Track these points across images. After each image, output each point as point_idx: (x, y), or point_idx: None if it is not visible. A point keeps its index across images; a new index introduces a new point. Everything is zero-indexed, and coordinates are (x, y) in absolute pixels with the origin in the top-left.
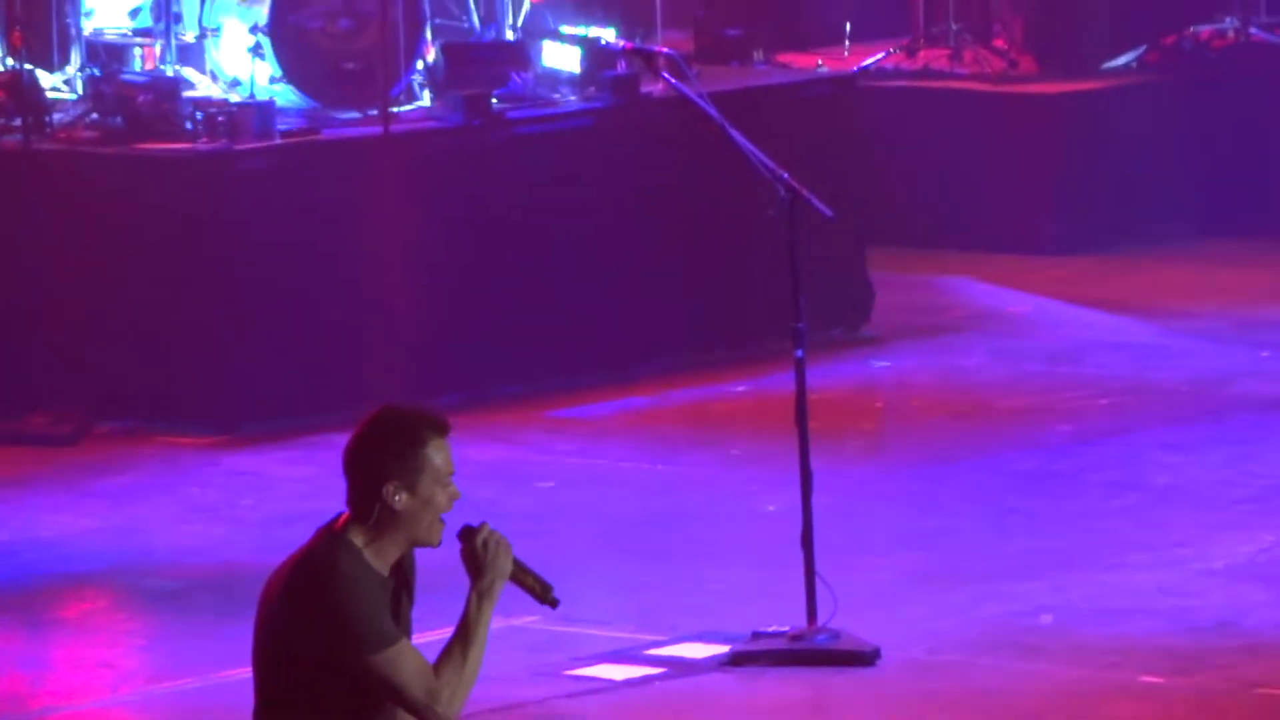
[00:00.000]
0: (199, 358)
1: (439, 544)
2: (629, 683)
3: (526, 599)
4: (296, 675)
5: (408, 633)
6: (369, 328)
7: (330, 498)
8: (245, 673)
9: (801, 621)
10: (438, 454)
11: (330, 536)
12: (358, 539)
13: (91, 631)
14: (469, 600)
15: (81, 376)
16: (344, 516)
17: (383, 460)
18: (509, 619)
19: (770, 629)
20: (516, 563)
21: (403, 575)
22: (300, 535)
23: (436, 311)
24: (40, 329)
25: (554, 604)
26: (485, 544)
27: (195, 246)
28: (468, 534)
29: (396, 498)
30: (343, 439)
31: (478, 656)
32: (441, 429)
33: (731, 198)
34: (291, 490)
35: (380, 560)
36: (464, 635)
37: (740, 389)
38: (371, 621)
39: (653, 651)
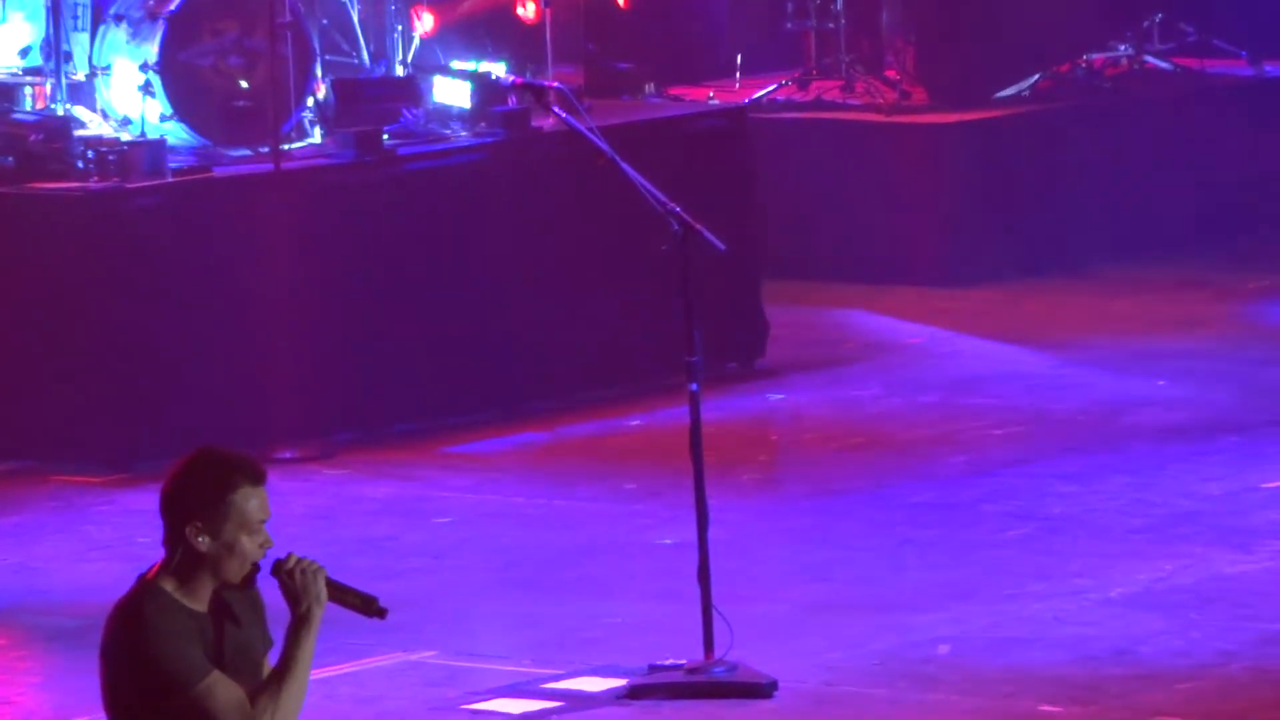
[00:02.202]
0: (93, 396)
1: (245, 588)
2: (526, 717)
3: (421, 637)
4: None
5: (246, 664)
6: (263, 365)
7: None
8: None
9: (699, 654)
10: (247, 501)
11: (139, 583)
12: (167, 582)
13: None
14: (288, 630)
15: None
16: (160, 561)
17: (188, 503)
18: (408, 654)
19: (667, 662)
20: (333, 584)
21: (226, 608)
22: None
23: (330, 348)
24: None
25: (381, 614)
26: (292, 573)
27: (88, 285)
28: (278, 567)
29: (200, 539)
30: None
31: (297, 685)
32: (254, 477)
33: (624, 232)
34: None
35: (194, 599)
36: (282, 665)
37: (635, 423)
38: (178, 660)
39: (550, 685)
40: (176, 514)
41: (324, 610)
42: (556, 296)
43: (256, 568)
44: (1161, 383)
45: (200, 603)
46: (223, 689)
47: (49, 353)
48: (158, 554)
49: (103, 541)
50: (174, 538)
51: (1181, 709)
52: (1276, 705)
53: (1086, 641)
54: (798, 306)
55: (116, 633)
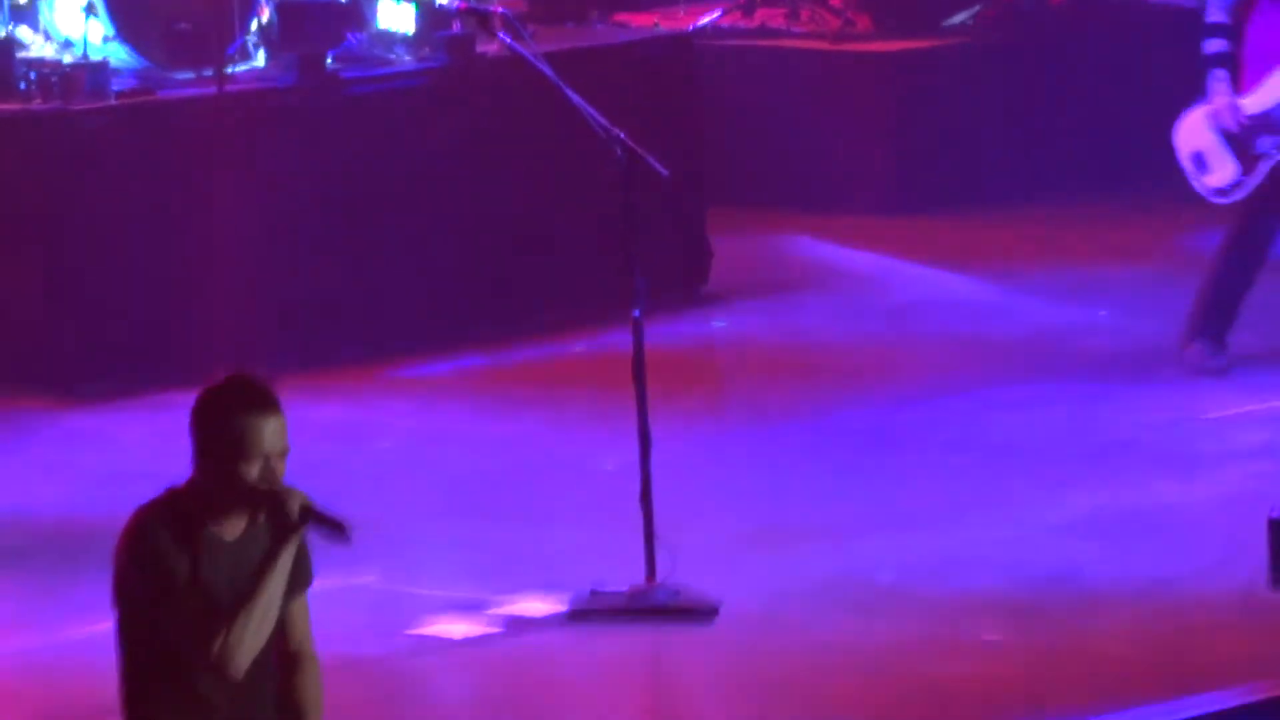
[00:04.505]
0: (36, 319)
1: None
2: (469, 640)
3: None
4: (121, 626)
5: (235, 593)
6: (205, 288)
7: (171, 457)
8: (88, 630)
9: (640, 579)
10: (251, 429)
11: (163, 494)
12: (176, 499)
13: None
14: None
15: None
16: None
17: (200, 426)
18: (349, 578)
19: (609, 587)
20: (309, 509)
21: (217, 539)
22: (142, 493)
23: (273, 272)
24: None
25: (348, 541)
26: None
27: (29, 207)
28: (257, 493)
29: (205, 462)
30: (181, 399)
31: (260, 605)
32: (263, 408)
33: (569, 157)
34: (132, 449)
35: (196, 519)
36: (252, 582)
37: (578, 348)
38: (155, 573)
39: (492, 610)
40: (193, 436)
41: (299, 539)
42: (500, 222)
43: (267, 501)
44: (1103, 312)
45: (203, 524)
46: (191, 600)
47: None
48: (101, 474)
49: (45, 462)
50: (193, 457)
51: (1122, 634)
52: (1210, 629)
53: (1027, 568)
54: (742, 233)
55: (121, 536)
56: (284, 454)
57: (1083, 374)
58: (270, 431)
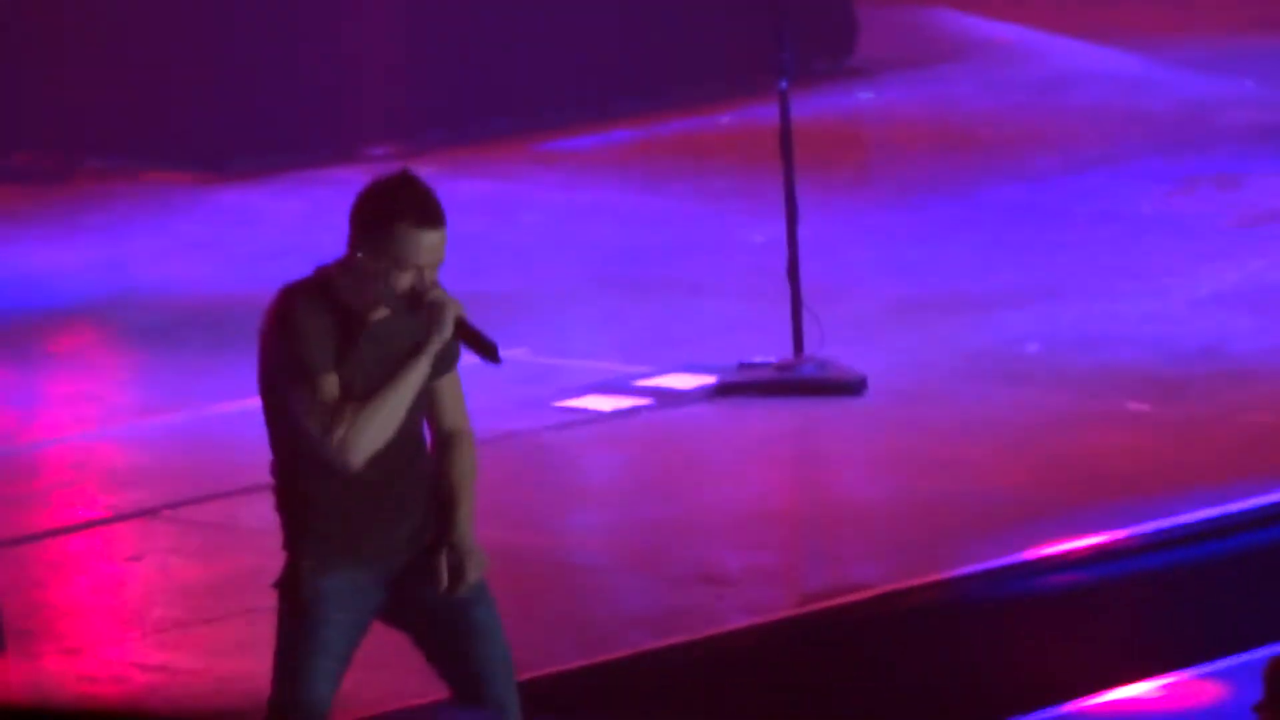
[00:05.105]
0: (184, 95)
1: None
2: (617, 413)
3: (513, 335)
4: (269, 403)
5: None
6: (354, 62)
7: (319, 232)
8: (234, 405)
9: (788, 352)
10: (411, 241)
11: (313, 272)
12: (324, 279)
13: (81, 366)
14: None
15: (67, 113)
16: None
17: (357, 218)
18: (499, 352)
19: (758, 359)
20: (461, 323)
21: (368, 323)
22: (289, 269)
23: (422, 45)
24: (26, 65)
25: (497, 361)
26: (427, 304)
27: None
28: (414, 292)
29: (357, 254)
30: (328, 174)
31: (387, 406)
32: (421, 219)
33: None
34: (280, 224)
35: (342, 302)
36: (384, 380)
37: (725, 120)
38: (298, 349)
39: (640, 383)
40: (350, 226)
41: (441, 345)
42: None
43: (420, 305)
44: (1250, 83)
45: (348, 306)
46: (323, 390)
47: (140, 52)
48: (249, 250)
49: (194, 239)
50: (348, 244)
51: (1268, 404)
52: None
53: (1175, 340)
54: (887, 4)
55: (266, 313)
56: (438, 265)
57: (1230, 146)
58: (429, 245)
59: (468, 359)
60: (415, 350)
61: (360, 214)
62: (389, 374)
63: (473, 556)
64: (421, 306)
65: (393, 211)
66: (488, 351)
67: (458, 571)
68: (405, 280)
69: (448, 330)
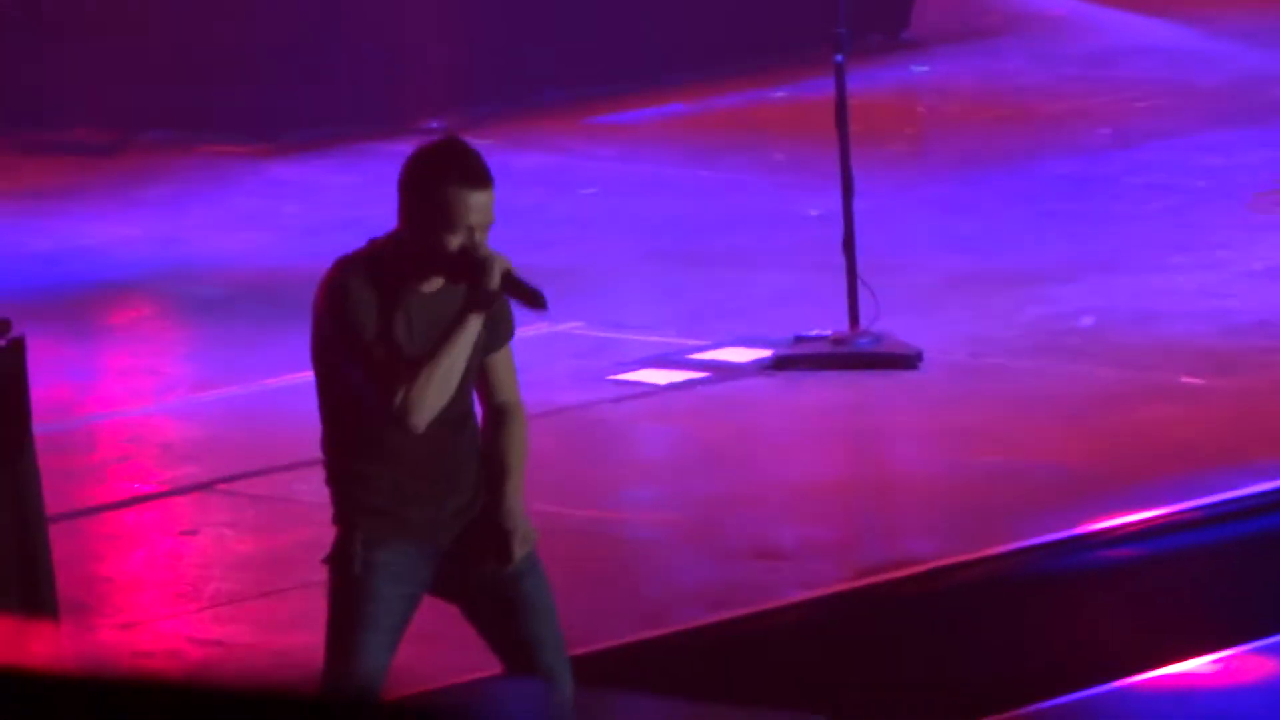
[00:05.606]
0: (239, 67)
1: (452, 280)
2: (672, 387)
3: (568, 308)
4: (319, 377)
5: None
6: (408, 35)
7: (373, 205)
8: (289, 379)
9: (844, 325)
10: (459, 201)
11: (358, 247)
12: (374, 252)
13: (137, 339)
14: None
15: (123, 86)
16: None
17: (410, 188)
18: (554, 325)
19: (813, 333)
20: (509, 277)
21: (419, 293)
22: (344, 242)
23: (475, 17)
24: (84, 39)
25: (544, 307)
26: (476, 261)
27: None
28: (464, 251)
29: (408, 222)
30: (383, 146)
31: (447, 362)
32: (469, 179)
33: None
34: (334, 198)
35: (391, 274)
36: (434, 345)
37: (780, 94)
38: (347, 319)
39: (696, 356)
40: (400, 193)
41: (490, 296)
42: None
43: (468, 265)
44: None
45: (401, 277)
46: (383, 355)
47: (194, 26)
48: (304, 223)
49: (248, 212)
50: (398, 213)
51: None
52: None
53: (1229, 313)
54: None
55: (320, 285)
56: (488, 226)
57: None
58: (478, 205)
59: (521, 334)
60: (467, 305)
61: (408, 179)
62: (439, 341)
63: (521, 530)
64: (469, 263)
65: (439, 173)
66: (534, 300)
67: (506, 545)
68: (455, 242)
69: (495, 281)
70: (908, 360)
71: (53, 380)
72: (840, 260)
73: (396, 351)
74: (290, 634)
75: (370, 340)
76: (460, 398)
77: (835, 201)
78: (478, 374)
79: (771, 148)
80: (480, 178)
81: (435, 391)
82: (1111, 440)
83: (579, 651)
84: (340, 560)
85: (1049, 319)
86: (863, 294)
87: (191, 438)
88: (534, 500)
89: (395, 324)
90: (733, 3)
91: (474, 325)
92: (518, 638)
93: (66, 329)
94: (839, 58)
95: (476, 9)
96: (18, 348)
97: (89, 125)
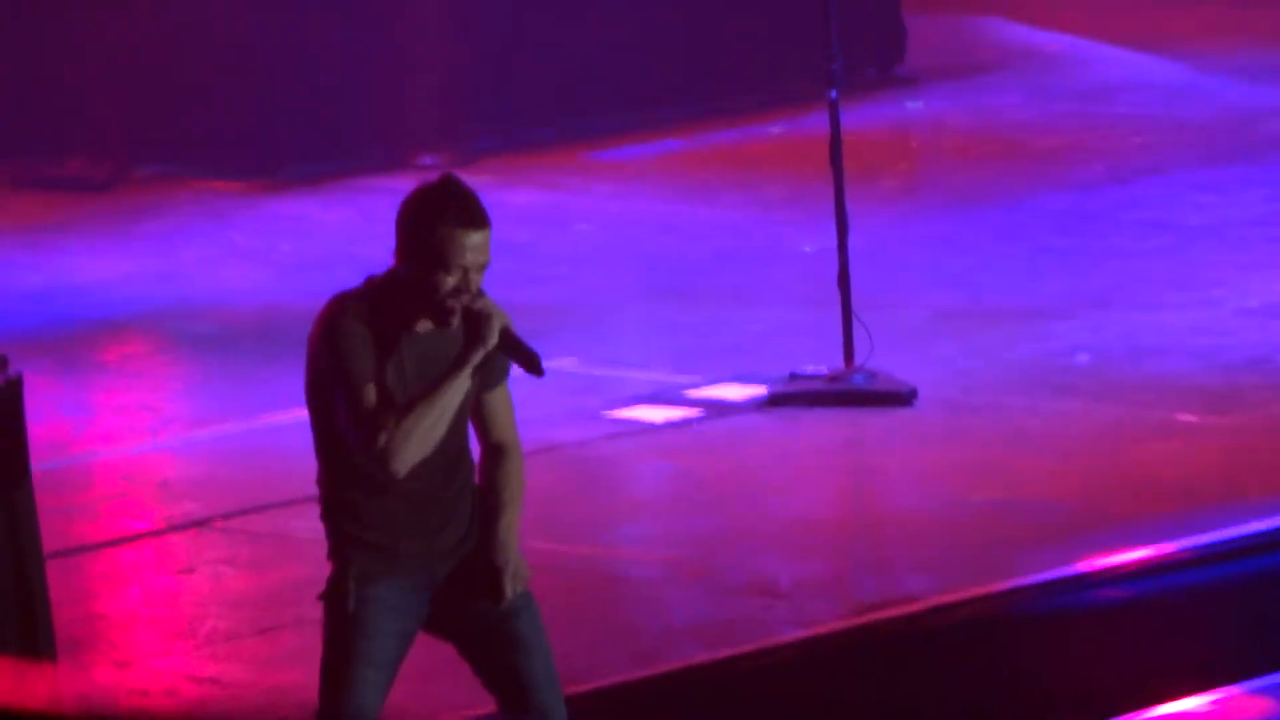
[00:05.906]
0: (235, 102)
1: (439, 324)
2: (668, 424)
3: (562, 344)
4: (314, 412)
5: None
6: (403, 71)
7: (368, 241)
8: (286, 416)
9: (838, 362)
10: (455, 241)
11: (355, 285)
12: (371, 290)
13: (132, 376)
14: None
15: (118, 120)
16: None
17: (406, 227)
18: (548, 362)
19: (807, 370)
20: (506, 334)
21: (414, 335)
22: (339, 279)
23: (471, 53)
24: (79, 72)
25: (540, 374)
26: (471, 312)
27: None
28: (461, 300)
29: (408, 263)
30: (379, 182)
31: (433, 413)
32: (466, 220)
33: None
34: (331, 234)
35: (386, 312)
36: (423, 391)
37: (775, 130)
38: (342, 360)
39: (690, 393)
40: (396, 232)
41: (485, 354)
42: (698, 2)
43: (452, 309)
44: None
45: (396, 317)
46: (366, 398)
47: (190, 61)
48: (300, 259)
49: (245, 248)
50: (394, 253)
51: None
52: None
53: (1224, 351)
54: (936, 13)
55: (315, 321)
56: (484, 267)
57: (1277, 155)
58: (474, 245)
59: (516, 371)
60: (460, 359)
61: (404, 219)
62: (430, 385)
63: (514, 568)
64: (468, 316)
65: (434, 213)
66: (530, 363)
67: (499, 582)
68: (450, 283)
69: (493, 339)
70: (902, 397)
71: (48, 418)
72: (835, 296)
73: (385, 394)
74: (287, 671)
75: (359, 379)
76: (456, 433)
77: (830, 238)
78: (475, 411)
79: (766, 184)
80: (477, 218)
81: (417, 442)
82: (1107, 477)
83: (573, 690)
84: (335, 597)
85: (1044, 356)
86: (857, 331)
87: (188, 475)
88: (528, 537)
89: (387, 363)
90: (727, 39)
91: (464, 378)
92: (512, 676)
93: (61, 366)
94: (833, 94)
95: (473, 46)
96: (15, 386)
97: (86, 160)
